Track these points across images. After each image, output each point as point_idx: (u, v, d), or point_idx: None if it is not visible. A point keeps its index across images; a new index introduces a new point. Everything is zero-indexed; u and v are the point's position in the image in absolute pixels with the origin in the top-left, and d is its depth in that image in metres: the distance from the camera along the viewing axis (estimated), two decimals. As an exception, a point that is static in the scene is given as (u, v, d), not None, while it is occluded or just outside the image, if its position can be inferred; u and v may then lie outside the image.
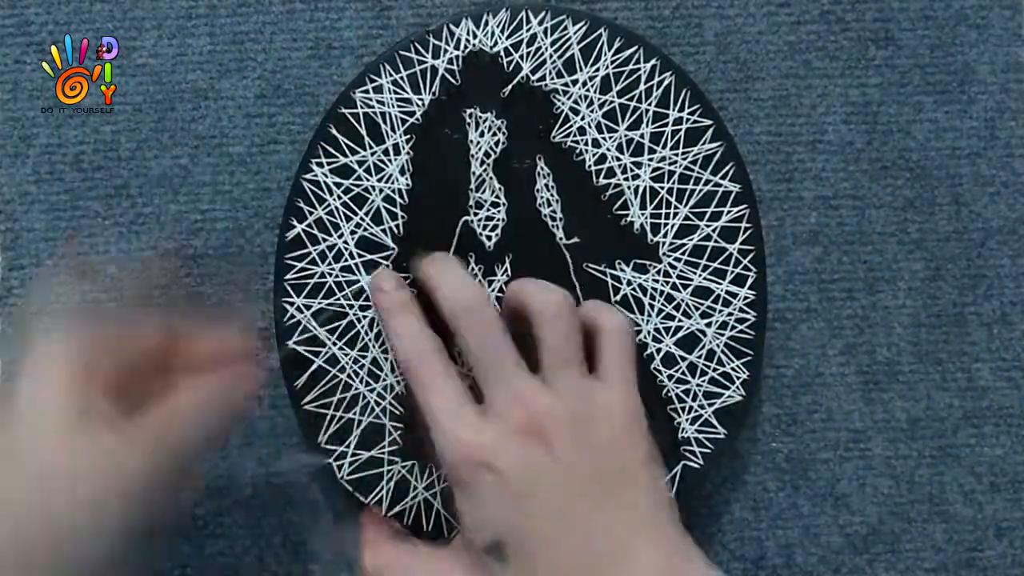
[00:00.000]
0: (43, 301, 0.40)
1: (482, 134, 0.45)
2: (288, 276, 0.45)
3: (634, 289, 0.45)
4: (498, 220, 0.45)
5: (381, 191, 0.45)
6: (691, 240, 0.45)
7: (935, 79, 0.49)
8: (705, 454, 0.45)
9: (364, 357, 0.45)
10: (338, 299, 0.45)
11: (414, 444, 0.43)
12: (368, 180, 0.45)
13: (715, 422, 0.45)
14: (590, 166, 0.45)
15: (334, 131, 0.45)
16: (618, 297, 0.45)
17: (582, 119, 0.45)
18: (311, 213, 0.45)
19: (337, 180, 0.45)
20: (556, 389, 0.37)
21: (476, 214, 0.45)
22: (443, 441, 0.37)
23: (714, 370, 0.45)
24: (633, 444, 0.37)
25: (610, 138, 0.45)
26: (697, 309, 0.45)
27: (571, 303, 0.39)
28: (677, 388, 0.45)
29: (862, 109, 0.49)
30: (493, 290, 0.45)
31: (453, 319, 0.38)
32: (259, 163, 0.48)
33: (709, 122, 0.45)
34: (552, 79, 0.45)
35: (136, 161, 0.48)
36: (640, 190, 0.45)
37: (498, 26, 0.45)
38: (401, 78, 0.45)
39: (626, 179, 0.45)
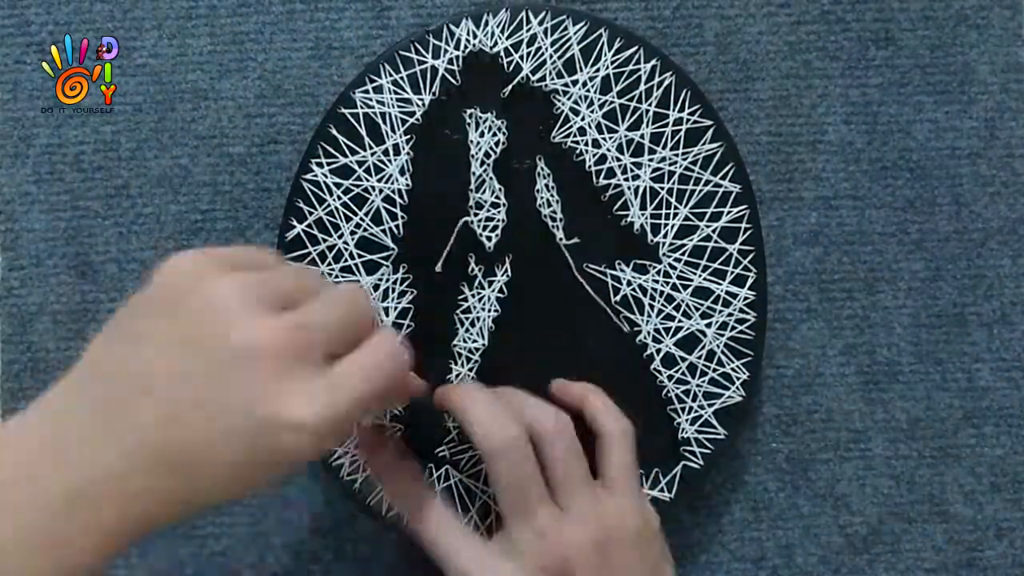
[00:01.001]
0: None
1: (482, 134, 0.45)
2: (288, 276, 0.45)
3: (634, 289, 0.45)
4: (498, 220, 0.45)
5: (381, 191, 0.45)
6: (691, 240, 0.45)
7: (935, 79, 0.49)
8: (705, 454, 0.45)
9: (364, 357, 0.44)
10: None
11: None
12: (368, 180, 0.45)
13: (715, 422, 0.45)
14: (590, 166, 0.45)
15: (334, 131, 0.45)
16: (618, 297, 0.45)
17: (582, 119, 0.45)
18: (311, 213, 0.45)
19: (337, 180, 0.45)
20: (573, 516, 0.38)
21: (476, 214, 0.45)
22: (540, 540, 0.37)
23: (714, 370, 0.45)
24: (643, 556, 0.39)
25: (610, 138, 0.45)
26: (697, 309, 0.45)
27: (567, 421, 0.39)
28: (677, 388, 0.45)
29: (862, 109, 0.49)
30: (493, 290, 0.45)
31: (483, 455, 0.38)
32: (259, 163, 0.48)
33: (709, 122, 0.45)
34: (552, 79, 0.45)
35: (136, 161, 0.48)
36: (640, 190, 0.45)
37: (498, 26, 0.45)
38: (401, 78, 0.45)
39: (626, 179, 0.45)
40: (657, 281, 0.45)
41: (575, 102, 0.45)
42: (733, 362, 0.45)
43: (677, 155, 0.45)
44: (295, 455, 0.31)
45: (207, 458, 0.31)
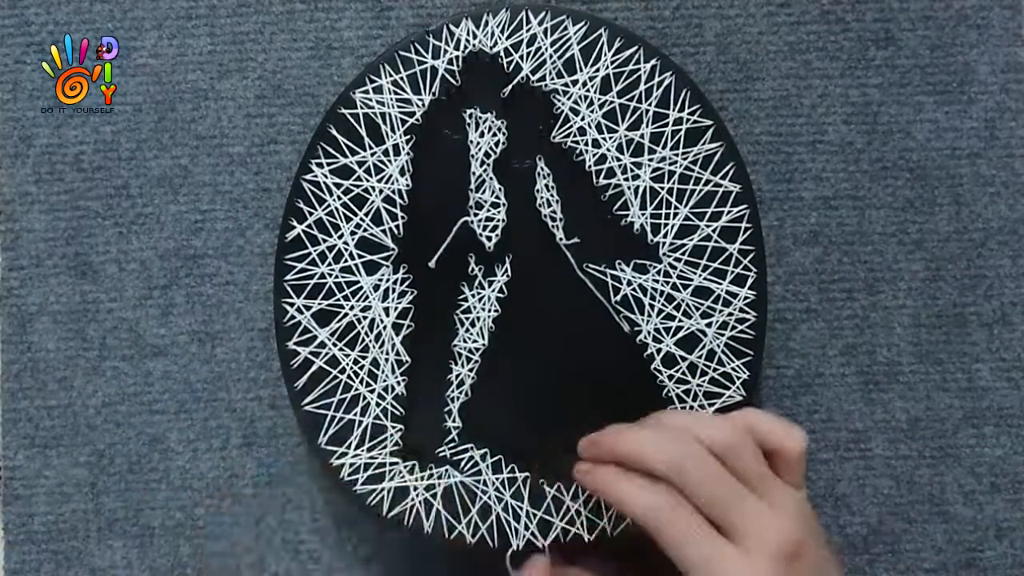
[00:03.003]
0: None
1: (482, 134, 0.45)
2: (288, 277, 0.45)
3: (634, 289, 0.45)
4: (498, 220, 0.45)
5: (381, 192, 0.45)
6: (691, 240, 0.45)
7: (935, 79, 0.49)
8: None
9: (364, 358, 0.45)
10: (338, 300, 0.45)
11: None
12: (368, 180, 0.45)
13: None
14: (590, 166, 0.45)
15: (334, 131, 0.45)
16: (618, 297, 0.45)
17: (582, 119, 0.45)
18: (311, 214, 0.45)
19: (337, 180, 0.45)
20: (782, 506, 0.39)
21: (476, 214, 0.45)
22: None
23: (714, 370, 0.45)
24: (822, 537, 0.40)
25: (610, 138, 0.45)
26: (697, 309, 0.45)
27: (742, 429, 0.40)
28: (677, 388, 0.45)
29: (862, 109, 0.49)
30: (493, 291, 0.45)
31: (675, 475, 0.38)
32: (259, 163, 0.48)
33: (709, 122, 0.45)
34: (552, 79, 0.45)
35: (136, 161, 0.48)
36: (640, 190, 0.45)
37: (498, 26, 0.45)
38: (401, 78, 0.45)
39: (626, 179, 0.45)
40: (657, 281, 0.45)
41: (575, 102, 0.45)
42: (733, 362, 0.45)
43: (677, 155, 0.45)
44: None
45: None
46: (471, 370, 0.45)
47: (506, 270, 0.45)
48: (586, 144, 0.45)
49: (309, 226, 0.45)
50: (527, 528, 0.44)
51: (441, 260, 0.45)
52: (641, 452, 0.39)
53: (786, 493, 0.39)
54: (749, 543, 0.37)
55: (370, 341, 0.45)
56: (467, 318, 0.45)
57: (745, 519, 0.38)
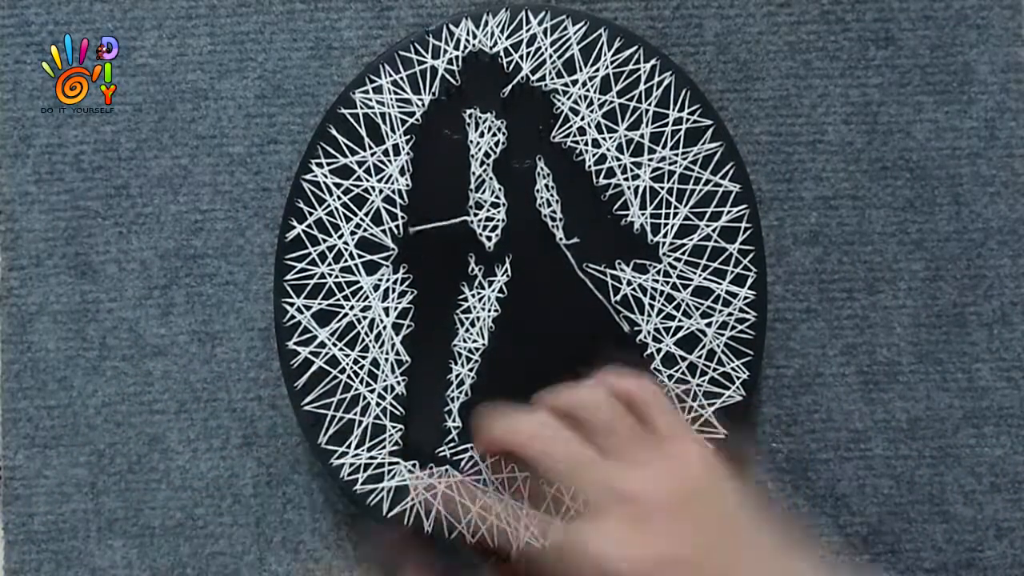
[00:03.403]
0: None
1: (482, 134, 0.45)
2: (288, 277, 0.45)
3: (634, 289, 0.45)
4: (498, 220, 0.45)
5: (381, 191, 0.45)
6: (691, 240, 0.45)
7: (935, 79, 0.49)
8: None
9: (364, 358, 0.45)
10: (338, 300, 0.45)
11: None
12: (368, 180, 0.45)
13: (715, 422, 0.45)
14: (590, 166, 0.45)
15: (334, 131, 0.45)
16: (618, 297, 0.45)
17: (582, 119, 0.45)
18: (311, 214, 0.45)
19: (337, 180, 0.45)
20: (640, 463, 0.38)
21: (476, 214, 0.45)
22: (584, 564, 0.37)
23: (714, 370, 0.45)
24: (713, 483, 0.39)
25: (610, 138, 0.45)
26: (697, 309, 0.45)
27: (604, 393, 0.40)
28: (677, 388, 0.45)
29: (862, 109, 0.49)
30: (493, 290, 0.45)
31: (536, 451, 0.39)
32: (259, 163, 0.48)
33: (709, 122, 0.45)
34: (552, 79, 0.45)
35: (136, 161, 0.48)
36: (640, 190, 0.45)
37: (498, 26, 0.45)
38: (401, 78, 0.45)
39: (626, 179, 0.45)
40: (657, 281, 0.45)
41: (575, 102, 0.45)
42: (733, 362, 0.45)
43: (677, 155, 0.45)
44: None
45: None
46: (471, 370, 0.45)
47: (506, 270, 0.45)
48: (586, 144, 0.45)
49: (309, 226, 0.45)
50: (527, 528, 0.44)
51: (441, 260, 0.45)
52: (491, 437, 0.40)
53: (650, 447, 0.39)
54: (591, 510, 0.37)
55: (370, 341, 0.45)
56: (467, 318, 0.45)
57: (587, 488, 0.38)
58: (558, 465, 0.38)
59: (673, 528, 0.37)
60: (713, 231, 0.45)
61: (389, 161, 0.45)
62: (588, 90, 0.45)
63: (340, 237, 0.45)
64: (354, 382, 0.44)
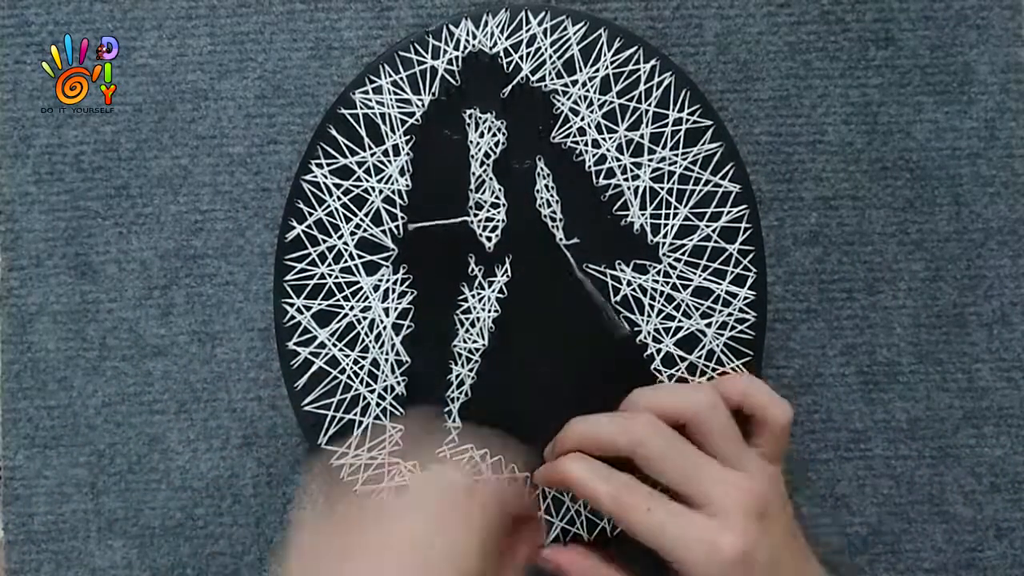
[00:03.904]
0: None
1: (482, 135, 0.45)
2: (288, 277, 0.45)
3: (634, 289, 0.45)
4: (498, 221, 0.45)
5: (381, 192, 0.45)
6: (691, 240, 0.45)
7: (935, 79, 0.49)
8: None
9: (364, 358, 0.45)
10: (338, 300, 0.45)
11: None
12: (368, 181, 0.45)
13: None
14: (590, 166, 0.45)
15: (334, 132, 0.45)
16: (618, 297, 0.45)
17: (582, 120, 0.45)
18: (311, 214, 0.45)
19: (337, 181, 0.45)
20: (749, 471, 0.39)
21: (476, 215, 0.45)
22: (695, 556, 0.37)
23: (714, 370, 0.45)
24: (790, 508, 0.41)
25: (610, 138, 0.45)
26: (697, 309, 0.45)
27: (712, 397, 0.40)
28: (677, 388, 0.45)
29: (862, 109, 0.49)
30: (493, 290, 0.45)
31: (636, 451, 0.39)
32: (259, 163, 0.48)
33: (709, 122, 0.45)
34: (552, 80, 0.45)
35: (136, 161, 0.48)
36: (640, 190, 0.45)
37: (498, 27, 0.45)
38: (401, 79, 0.45)
39: (626, 179, 0.45)
40: (657, 281, 0.45)
41: (575, 102, 0.45)
42: (733, 362, 0.45)
43: (677, 155, 0.45)
44: None
45: None
46: (471, 370, 0.45)
47: (506, 270, 0.45)
48: (586, 144, 0.45)
49: (309, 226, 0.45)
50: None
51: (441, 260, 0.45)
52: (597, 435, 0.40)
53: (752, 460, 0.40)
54: (714, 508, 0.38)
55: (370, 341, 0.45)
56: (467, 318, 0.45)
57: (706, 485, 0.38)
58: (672, 467, 0.38)
59: (767, 532, 0.38)
60: (713, 231, 0.45)
61: (389, 161, 0.45)
62: (588, 90, 0.45)
63: (340, 237, 0.45)
64: (354, 382, 0.44)
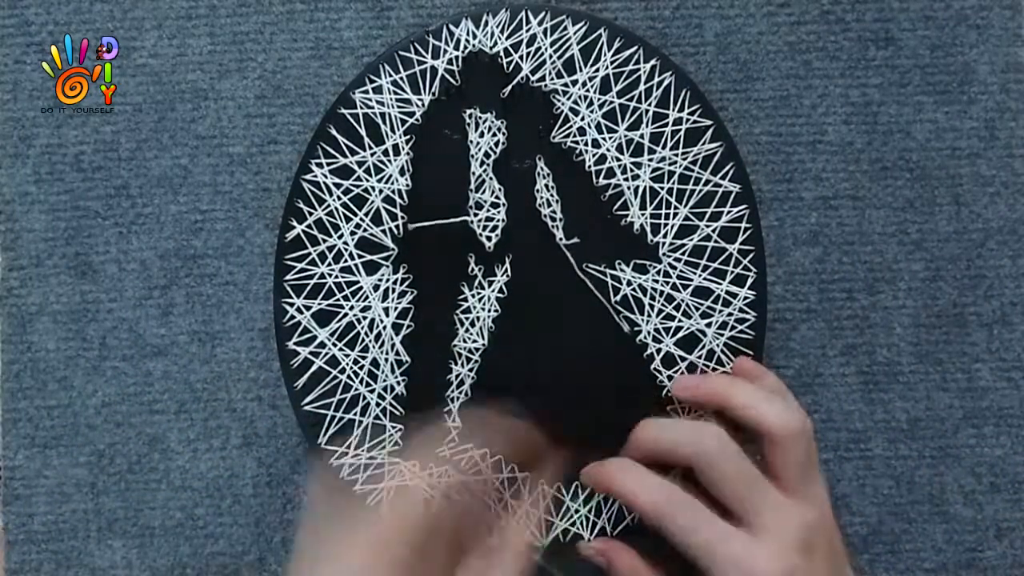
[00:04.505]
0: None
1: (482, 134, 0.45)
2: (288, 277, 0.45)
3: (634, 289, 0.45)
4: (498, 220, 0.45)
5: (381, 192, 0.45)
6: (691, 240, 0.45)
7: (935, 79, 0.49)
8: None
9: (364, 358, 0.45)
10: (338, 300, 0.45)
11: None
12: (368, 180, 0.45)
13: (715, 422, 0.45)
14: (590, 166, 0.45)
15: (334, 131, 0.45)
16: (618, 297, 0.45)
17: (582, 119, 0.45)
18: (311, 214, 0.45)
19: (337, 181, 0.45)
20: (802, 499, 0.39)
21: (476, 215, 0.45)
22: (736, 574, 0.37)
23: (714, 370, 0.45)
24: (838, 533, 0.41)
25: (610, 138, 0.45)
26: (697, 309, 0.45)
27: (809, 426, 0.40)
28: (677, 388, 0.45)
29: (862, 109, 0.49)
30: (493, 290, 0.45)
31: (704, 463, 0.39)
32: (259, 163, 0.48)
33: (709, 122, 0.45)
34: (552, 79, 0.45)
35: (136, 161, 0.48)
36: (640, 190, 0.45)
37: (498, 26, 0.45)
38: (401, 78, 0.45)
39: (626, 179, 0.45)
40: (657, 281, 0.45)
41: (575, 102, 0.45)
42: (733, 362, 0.45)
43: (677, 155, 0.45)
44: None
45: None
46: (471, 370, 0.45)
47: (506, 270, 0.45)
48: (586, 144, 0.45)
49: (309, 226, 0.45)
50: (527, 528, 0.44)
51: (441, 260, 0.45)
52: (665, 440, 0.39)
53: (816, 489, 0.39)
54: (765, 532, 0.37)
55: (370, 341, 0.45)
56: (467, 318, 0.45)
57: (762, 508, 0.38)
58: (733, 486, 0.38)
59: (811, 567, 0.38)
60: (713, 231, 0.45)
61: (389, 161, 0.45)
62: (588, 90, 0.45)
63: (340, 237, 0.45)
64: (354, 382, 0.44)
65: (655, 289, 0.45)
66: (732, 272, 0.45)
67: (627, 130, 0.45)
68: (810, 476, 0.39)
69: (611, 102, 0.45)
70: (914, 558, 0.48)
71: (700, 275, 0.45)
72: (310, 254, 0.45)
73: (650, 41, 0.46)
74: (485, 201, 0.45)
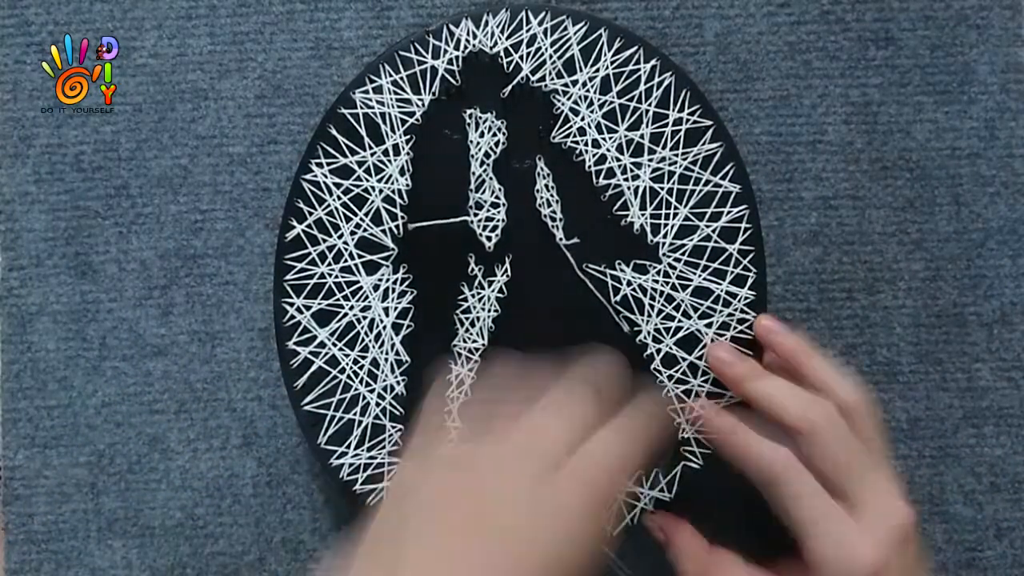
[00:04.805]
0: None
1: (482, 134, 0.45)
2: (288, 276, 0.45)
3: (634, 289, 0.45)
4: (498, 221, 0.45)
5: (381, 191, 0.45)
6: (691, 240, 0.45)
7: (935, 79, 0.49)
8: (705, 454, 0.45)
9: (364, 358, 0.45)
10: (338, 300, 0.45)
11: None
12: (368, 180, 0.45)
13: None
14: (590, 166, 0.45)
15: (334, 131, 0.45)
16: (618, 297, 0.45)
17: (582, 120, 0.45)
18: (311, 213, 0.45)
19: (337, 180, 0.45)
20: (899, 487, 0.39)
21: (476, 215, 0.45)
22: (834, 552, 0.37)
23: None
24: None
25: (610, 138, 0.45)
26: (697, 310, 0.45)
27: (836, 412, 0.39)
28: (677, 388, 0.45)
29: (862, 109, 0.49)
30: (493, 290, 0.45)
31: (807, 432, 0.38)
32: (259, 163, 0.48)
33: (709, 122, 0.45)
34: (552, 80, 0.45)
35: (136, 161, 0.48)
36: (640, 190, 0.45)
37: (498, 26, 0.45)
38: (401, 78, 0.45)
39: (626, 179, 0.45)
40: (657, 281, 0.45)
41: (575, 102, 0.45)
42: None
43: (677, 155, 0.45)
44: None
45: None
46: (471, 370, 0.45)
47: (506, 270, 0.45)
48: (586, 144, 0.45)
49: (309, 226, 0.45)
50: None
51: (441, 260, 0.45)
52: (774, 400, 0.39)
53: (895, 474, 0.39)
54: (867, 517, 0.37)
55: (370, 341, 0.45)
56: (467, 318, 0.45)
57: (867, 492, 0.37)
58: (838, 462, 0.38)
59: (904, 557, 0.37)
60: (713, 231, 0.45)
61: (389, 161, 0.45)
62: (588, 90, 0.45)
63: (340, 237, 0.45)
64: (354, 382, 0.44)
65: (655, 289, 0.45)
66: (732, 272, 0.45)
67: (627, 130, 0.45)
68: (884, 460, 0.39)
69: (611, 102, 0.45)
70: (914, 558, 0.48)
71: (700, 275, 0.45)
72: (310, 254, 0.45)
73: (650, 41, 0.46)
74: (485, 201, 0.45)
